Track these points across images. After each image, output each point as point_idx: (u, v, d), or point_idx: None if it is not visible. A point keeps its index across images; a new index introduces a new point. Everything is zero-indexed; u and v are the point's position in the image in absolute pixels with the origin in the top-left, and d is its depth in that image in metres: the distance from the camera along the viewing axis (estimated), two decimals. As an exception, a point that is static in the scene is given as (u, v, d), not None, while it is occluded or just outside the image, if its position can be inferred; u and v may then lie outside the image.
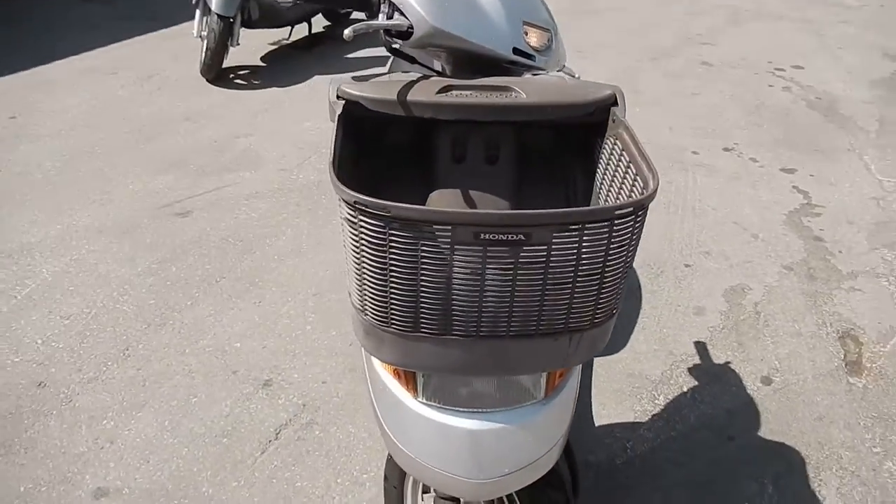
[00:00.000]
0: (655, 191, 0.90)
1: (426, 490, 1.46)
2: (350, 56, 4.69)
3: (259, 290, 2.40)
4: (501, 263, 0.89)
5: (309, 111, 3.84)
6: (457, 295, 0.93)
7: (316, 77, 4.31)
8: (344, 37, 1.08)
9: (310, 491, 1.72)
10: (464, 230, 0.87)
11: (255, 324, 2.25)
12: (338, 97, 1.14)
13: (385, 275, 0.92)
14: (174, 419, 1.90)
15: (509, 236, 0.87)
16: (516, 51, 1.16)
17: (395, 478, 1.45)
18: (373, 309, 0.97)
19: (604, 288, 0.95)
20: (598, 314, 0.97)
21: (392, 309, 0.95)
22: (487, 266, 0.90)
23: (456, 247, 0.88)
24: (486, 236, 0.87)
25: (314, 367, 2.07)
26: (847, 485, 1.75)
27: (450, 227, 0.87)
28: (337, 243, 2.64)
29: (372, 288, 0.95)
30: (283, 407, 1.94)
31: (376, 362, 1.15)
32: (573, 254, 0.89)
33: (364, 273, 0.94)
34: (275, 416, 1.91)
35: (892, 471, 1.79)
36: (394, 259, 0.90)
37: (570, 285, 0.93)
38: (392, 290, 0.93)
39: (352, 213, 0.90)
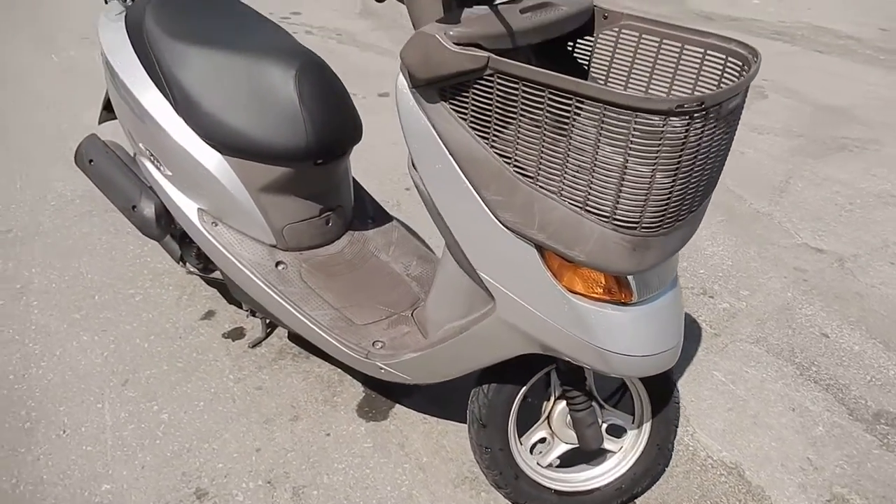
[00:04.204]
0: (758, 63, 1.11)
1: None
2: None
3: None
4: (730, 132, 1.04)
5: None
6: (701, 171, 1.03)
7: None
8: None
9: None
10: (726, 103, 0.98)
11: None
12: (456, 43, 1.00)
13: (675, 172, 0.96)
14: None
15: (733, 104, 1.02)
16: None
17: (499, 440, 1.42)
18: (651, 217, 1.00)
19: None
20: None
21: (669, 207, 1.00)
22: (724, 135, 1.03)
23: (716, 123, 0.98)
24: (725, 106, 1.00)
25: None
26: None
27: (720, 104, 0.97)
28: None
29: (657, 194, 0.97)
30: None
31: (563, 300, 1.13)
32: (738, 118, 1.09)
33: (654, 181, 0.95)
34: None
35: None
36: (686, 152, 0.95)
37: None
38: (676, 187, 0.98)
39: (656, 121, 0.90)
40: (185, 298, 2.11)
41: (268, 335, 1.98)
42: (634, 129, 0.91)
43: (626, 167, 0.94)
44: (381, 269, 1.74)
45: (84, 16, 4.64)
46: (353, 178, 1.87)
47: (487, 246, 1.16)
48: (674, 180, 0.97)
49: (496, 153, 1.06)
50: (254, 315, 1.88)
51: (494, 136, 1.05)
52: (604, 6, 1.29)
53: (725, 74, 1.15)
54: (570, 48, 1.34)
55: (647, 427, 1.48)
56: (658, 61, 1.24)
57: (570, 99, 0.94)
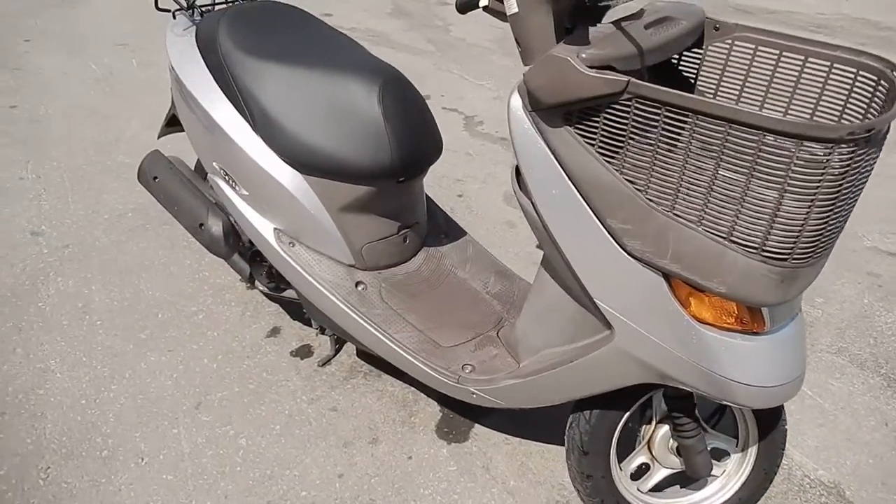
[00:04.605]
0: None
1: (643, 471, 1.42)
2: None
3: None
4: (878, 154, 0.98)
5: None
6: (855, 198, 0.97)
7: None
8: None
9: None
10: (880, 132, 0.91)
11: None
12: (590, 66, 0.94)
13: (833, 202, 0.90)
14: None
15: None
16: None
17: (601, 468, 1.37)
18: (803, 248, 0.93)
19: None
20: None
21: (823, 237, 0.94)
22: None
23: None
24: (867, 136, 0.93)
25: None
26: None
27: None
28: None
29: (812, 225, 0.91)
30: None
31: (690, 330, 1.07)
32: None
33: (811, 212, 0.89)
34: None
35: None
36: (846, 181, 0.89)
37: None
38: (831, 216, 0.92)
39: (820, 150, 0.84)
40: (248, 315, 2.07)
41: (337, 352, 1.93)
42: (796, 159, 0.85)
43: (781, 198, 0.88)
44: (459, 286, 1.69)
45: (115, 23, 4.61)
46: (426, 194, 1.82)
47: (609, 275, 1.10)
48: (830, 210, 0.90)
49: (626, 180, 1.00)
50: (323, 332, 1.84)
51: (625, 162, 0.99)
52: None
53: (855, 90, 1.09)
54: (674, 60, 1.28)
55: (752, 451, 1.42)
56: (774, 76, 1.18)
57: (722, 126, 0.88)
